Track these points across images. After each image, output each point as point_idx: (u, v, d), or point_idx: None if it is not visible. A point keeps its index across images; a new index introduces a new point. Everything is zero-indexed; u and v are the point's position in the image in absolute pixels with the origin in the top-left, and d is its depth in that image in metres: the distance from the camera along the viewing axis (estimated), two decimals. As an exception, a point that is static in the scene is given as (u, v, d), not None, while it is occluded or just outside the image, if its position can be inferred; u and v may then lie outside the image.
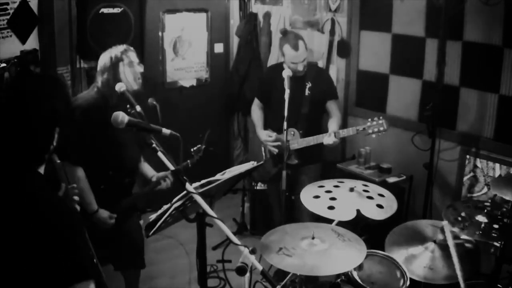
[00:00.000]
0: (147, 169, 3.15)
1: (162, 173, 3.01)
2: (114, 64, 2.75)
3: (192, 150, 3.03)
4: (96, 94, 2.78)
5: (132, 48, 2.88)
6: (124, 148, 2.86)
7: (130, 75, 2.80)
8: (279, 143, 3.47)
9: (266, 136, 3.58)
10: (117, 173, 2.88)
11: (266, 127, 3.70)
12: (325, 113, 3.61)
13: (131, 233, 3.02)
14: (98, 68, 2.81)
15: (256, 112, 3.79)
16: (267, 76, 3.76)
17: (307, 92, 3.45)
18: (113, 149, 2.80)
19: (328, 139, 3.25)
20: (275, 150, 3.55)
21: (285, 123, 3.05)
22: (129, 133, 2.64)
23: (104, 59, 2.79)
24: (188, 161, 3.01)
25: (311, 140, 3.36)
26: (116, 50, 2.79)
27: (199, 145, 3.09)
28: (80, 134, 2.66)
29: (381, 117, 3.20)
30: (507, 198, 2.30)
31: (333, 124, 3.45)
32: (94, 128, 2.69)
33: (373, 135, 3.19)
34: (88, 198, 2.74)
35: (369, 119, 3.22)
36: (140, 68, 2.86)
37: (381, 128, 3.16)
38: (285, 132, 3.06)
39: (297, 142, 3.41)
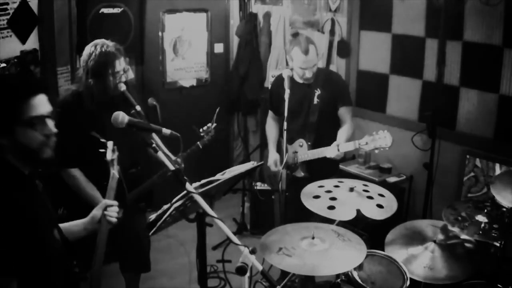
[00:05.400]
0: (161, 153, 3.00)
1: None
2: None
3: (201, 130, 2.84)
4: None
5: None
6: (116, 139, 2.62)
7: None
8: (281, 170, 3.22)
9: (273, 163, 3.37)
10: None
11: (279, 137, 3.48)
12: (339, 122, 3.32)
13: (139, 237, 2.98)
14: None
15: (269, 126, 3.56)
16: (274, 86, 3.49)
17: (315, 100, 3.23)
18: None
19: (330, 152, 3.02)
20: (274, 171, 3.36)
21: (285, 123, 3.00)
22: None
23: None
24: (198, 142, 2.81)
25: (316, 154, 3.15)
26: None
27: (209, 124, 2.94)
28: (64, 136, 2.62)
29: (385, 131, 2.89)
30: (505, 203, 2.30)
31: (342, 134, 3.15)
32: (75, 128, 2.58)
33: (376, 151, 2.91)
34: (88, 195, 2.65)
35: (374, 132, 2.90)
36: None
37: (384, 144, 2.86)
38: (284, 132, 3.02)
39: (303, 154, 3.23)
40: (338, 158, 3.07)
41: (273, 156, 3.43)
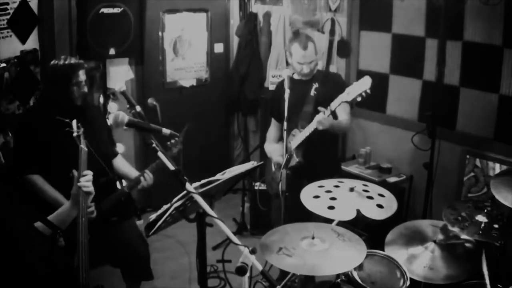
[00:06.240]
0: (128, 169, 3.07)
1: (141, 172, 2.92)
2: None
3: (168, 143, 2.90)
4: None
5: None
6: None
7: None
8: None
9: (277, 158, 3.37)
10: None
11: (280, 139, 3.48)
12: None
13: (134, 246, 2.98)
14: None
15: (269, 143, 3.57)
16: (275, 91, 3.55)
17: (312, 92, 3.27)
18: (69, 153, 2.44)
19: (317, 118, 3.00)
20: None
21: (285, 123, 3.01)
22: (91, 133, 2.60)
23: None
24: (157, 161, 2.87)
25: (306, 131, 3.14)
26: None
27: (176, 138, 3.01)
28: (27, 144, 2.70)
29: (365, 76, 2.83)
30: (506, 203, 2.29)
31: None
32: (34, 136, 2.69)
33: (359, 99, 2.84)
34: (51, 198, 2.66)
35: (354, 82, 2.85)
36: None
37: (365, 87, 2.80)
38: (284, 132, 3.03)
39: (296, 140, 3.24)
40: (327, 123, 3.01)
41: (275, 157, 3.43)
